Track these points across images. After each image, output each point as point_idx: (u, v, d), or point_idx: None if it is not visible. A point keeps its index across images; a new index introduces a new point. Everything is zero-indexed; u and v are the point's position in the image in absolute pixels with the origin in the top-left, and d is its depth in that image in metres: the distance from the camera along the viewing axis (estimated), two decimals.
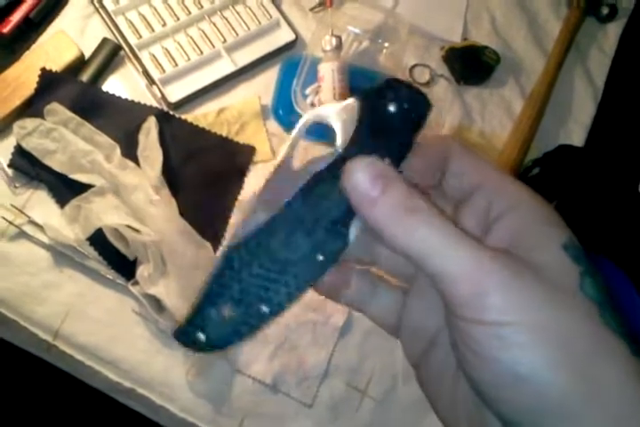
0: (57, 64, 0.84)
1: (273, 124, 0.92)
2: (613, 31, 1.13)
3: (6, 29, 0.86)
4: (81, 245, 0.78)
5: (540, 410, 0.26)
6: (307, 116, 0.35)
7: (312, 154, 0.35)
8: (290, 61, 0.95)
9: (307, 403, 0.81)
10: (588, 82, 1.08)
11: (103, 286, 0.80)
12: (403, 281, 0.38)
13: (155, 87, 0.88)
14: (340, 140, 0.33)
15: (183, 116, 0.87)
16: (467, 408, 0.32)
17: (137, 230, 0.75)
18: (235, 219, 0.85)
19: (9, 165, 0.81)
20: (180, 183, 0.83)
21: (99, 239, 0.77)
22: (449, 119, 1.00)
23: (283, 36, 0.95)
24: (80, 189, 0.78)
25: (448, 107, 1.01)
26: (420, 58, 1.02)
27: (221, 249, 0.32)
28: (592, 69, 1.09)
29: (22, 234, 0.80)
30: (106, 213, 0.76)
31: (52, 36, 0.87)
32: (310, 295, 0.33)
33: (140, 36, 0.89)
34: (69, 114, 0.80)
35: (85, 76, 0.86)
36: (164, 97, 0.88)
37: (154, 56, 0.89)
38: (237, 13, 0.94)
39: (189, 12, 0.92)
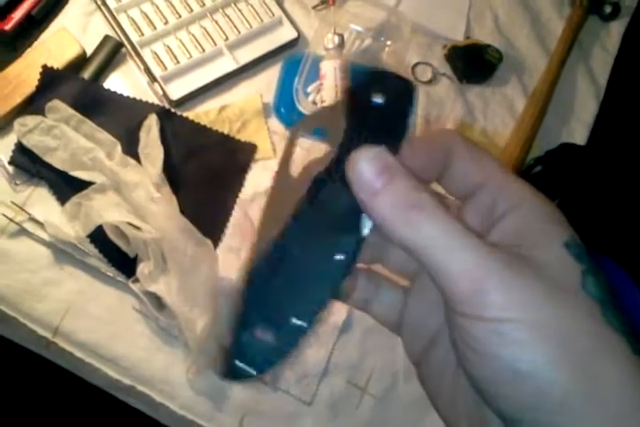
0: (58, 61, 0.84)
1: (274, 122, 0.92)
2: (616, 30, 1.13)
3: (8, 26, 0.86)
4: (81, 243, 0.78)
5: (540, 408, 0.26)
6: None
7: (314, 154, 0.34)
8: (292, 59, 0.95)
9: (306, 401, 0.81)
10: (590, 80, 1.08)
11: (103, 283, 0.80)
12: (406, 279, 0.38)
13: (156, 85, 0.88)
14: (332, 141, 0.33)
15: (184, 114, 0.87)
16: (467, 406, 0.32)
17: (138, 228, 0.75)
18: (235, 218, 0.85)
19: (10, 163, 0.81)
20: (180, 181, 0.83)
21: (99, 237, 0.77)
22: (451, 118, 1.00)
23: (285, 33, 0.95)
24: (81, 186, 0.78)
25: (450, 105, 1.00)
26: (423, 56, 1.02)
27: (240, 276, 0.32)
28: (595, 68, 1.09)
29: (23, 231, 0.80)
30: (106, 210, 0.76)
31: (54, 33, 0.87)
32: None
33: (142, 34, 0.89)
34: (71, 111, 0.80)
35: (87, 74, 0.86)
36: (165, 94, 0.88)
37: (155, 53, 0.89)
38: (239, 11, 0.94)
39: (191, 10, 0.92)
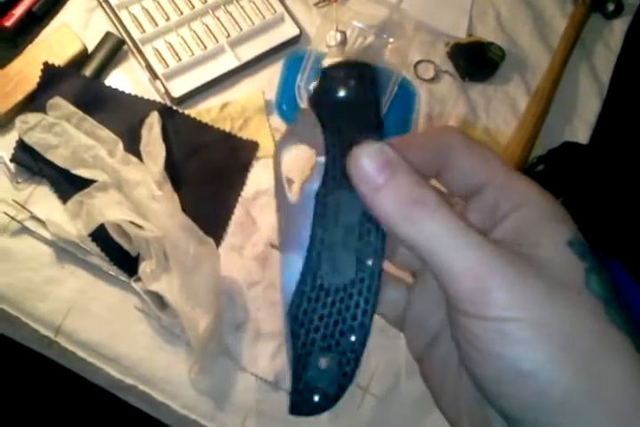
0: (60, 58, 0.84)
1: (276, 120, 0.92)
2: (619, 27, 1.12)
3: (9, 23, 0.85)
4: (83, 241, 0.78)
5: (540, 408, 0.26)
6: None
7: (304, 166, 0.34)
8: (294, 56, 0.94)
9: None
10: (593, 78, 1.08)
11: (105, 282, 0.80)
12: (411, 274, 0.38)
13: (158, 82, 0.88)
14: (317, 149, 0.32)
15: (186, 111, 0.87)
16: (469, 405, 0.32)
17: (139, 226, 0.75)
18: (237, 216, 0.84)
19: (11, 160, 0.81)
20: (182, 179, 0.83)
21: (101, 235, 0.77)
22: (453, 115, 0.99)
23: (287, 30, 0.94)
24: (82, 184, 0.78)
25: (452, 103, 1.00)
26: (425, 54, 1.02)
27: (284, 313, 0.32)
28: (597, 66, 1.09)
29: (24, 229, 0.79)
30: (108, 208, 0.76)
31: (55, 29, 0.86)
32: None
33: (144, 31, 0.89)
34: (72, 108, 0.80)
35: (88, 71, 0.86)
36: (167, 92, 0.87)
37: (157, 50, 0.89)
38: (241, 8, 0.93)
39: (193, 6, 0.91)
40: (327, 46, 0.90)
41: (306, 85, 0.91)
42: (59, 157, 0.78)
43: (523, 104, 1.02)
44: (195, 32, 0.91)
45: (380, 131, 0.31)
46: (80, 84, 0.83)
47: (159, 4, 0.91)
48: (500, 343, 0.27)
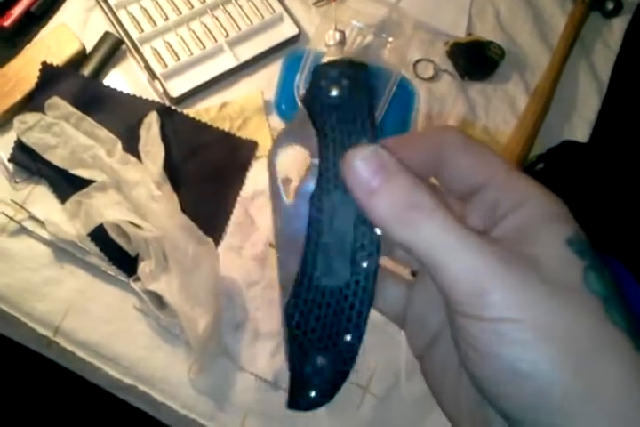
0: (58, 58, 0.84)
1: (275, 119, 0.91)
2: (618, 26, 1.12)
3: (7, 23, 0.85)
4: (82, 241, 0.78)
5: (540, 408, 0.26)
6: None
7: (299, 169, 0.34)
8: (293, 56, 0.94)
9: None
10: (592, 77, 1.08)
11: (104, 282, 0.80)
12: (412, 270, 0.38)
13: (156, 82, 0.88)
14: (311, 150, 0.32)
15: (185, 111, 0.87)
16: (469, 404, 0.32)
17: (138, 226, 0.75)
18: (236, 216, 0.84)
19: (9, 160, 0.81)
20: (181, 178, 0.83)
21: (100, 235, 0.77)
22: (453, 114, 0.99)
23: (286, 30, 0.94)
24: (81, 184, 0.78)
25: (452, 102, 1.00)
26: (425, 53, 1.02)
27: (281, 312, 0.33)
28: (597, 64, 1.09)
29: (23, 230, 0.79)
30: (107, 208, 0.75)
31: (54, 29, 0.86)
32: None
33: (142, 30, 0.89)
34: (70, 108, 0.80)
35: (87, 71, 0.86)
36: (165, 91, 0.87)
37: (156, 50, 0.89)
38: (240, 7, 0.93)
39: (192, 6, 0.91)
40: (326, 46, 0.90)
41: (305, 85, 0.91)
42: (57, 157, 0.78)
43: (522, 103, 1.02)
44: (193, 32, 0.91)
45: (374, 131, 0.31)
46: (78, 83, 0.83)
47: (158, 3, 0.90)
48: (497, 344, 0.27)
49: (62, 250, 0.79)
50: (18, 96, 0.81)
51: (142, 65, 0.88)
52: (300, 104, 0.32)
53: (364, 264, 0.32)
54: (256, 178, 0.87)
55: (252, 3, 0.93)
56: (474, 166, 0.32)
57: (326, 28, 0.91)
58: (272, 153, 0.35)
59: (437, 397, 0.34)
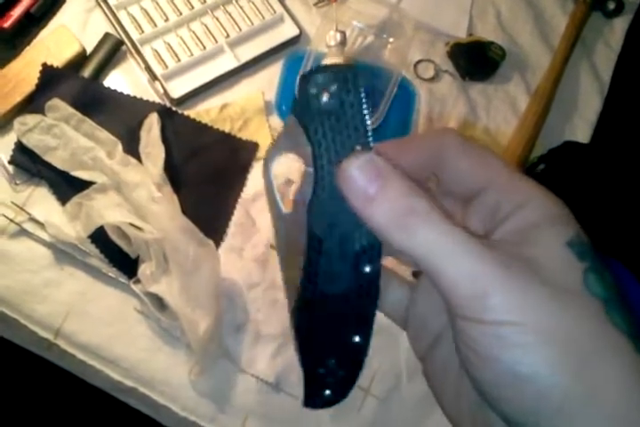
0: (58, 59, 0.83)
1: (276, 120, 0.91)
2: (620, 26, 1.12)
3: (7, 24, 0.85)
4: (82, 243, 0.78)
5: (541, 410, 0.26)
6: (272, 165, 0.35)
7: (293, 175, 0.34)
8: (293, 57, 0.94)
9: None
10: (594, 77, 1.07)
11: (105, 284, 0.80)
12: (412, 274, 0.38)
13: (157, 83, 0.87)
14: (306, 158, 0.32)
15: (186, 112, 0.87)
16: (470, 407, 0.31)
17: (139, 228, 0.75)
18: (236, 218, 0.84)
19: (9, 162, 0.81)
20: (182, 180, 0.82)
21: (100, 237, 0.77)
22: (453, 115, 0.99)
23: (286, 31, 0.94)
24: (81, 186, 0.78)
25: (452, 102, 1.00)
26: (425, 53, 1.01)
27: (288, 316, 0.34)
28: (598, 65, 1.09)
29: (23, 231, 0.79)
30: (107, 210, 0.75)
31: (54, 30, 0.86)
32: None
33: (143, 31, 0.88)
34: (71, 110, 0.80)
35: (87, 72, 0.85)
36: (166, 93, 0.87)
37: (156, 51, 0.89)
38: (241, 8, 0.93)
39: (192, 7, 0.91)
40: (327, 46, 0.90)
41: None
42: (57, 159, 0.78)
43: (523, 103, 1.02)
44: (194, 32, 0.91)
45: (368, 136, 0.31)
46: (79, 85, 0.83)
47: (158, 4, 0.90)
48: (497, 347, 0.27)
49: (62, 252, 0.79)
50: (18, 98, 0.81)
51: (142, 66, 0.88)
52: (290, 114, 0.32)
53: (367, 269, 0.32)
54: (257, 179, 0.87)
55: (253, 3, 0.93)
56: (474, 169, 0.32)
57: (327, 28, 0.91)
58: (266, 164, 0.35)
59: (438, 398, 0.34)
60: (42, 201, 0.81)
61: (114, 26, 0.89)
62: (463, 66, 1.00)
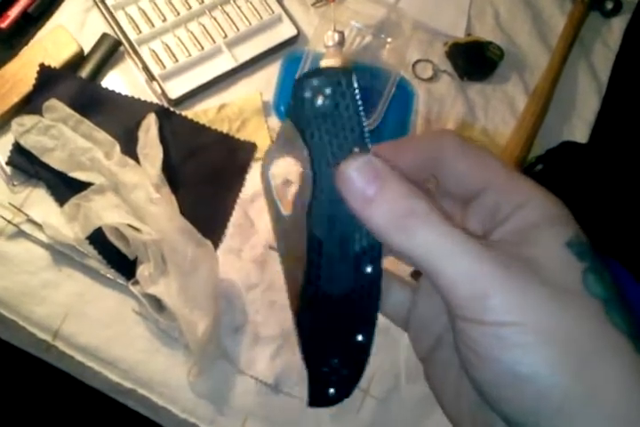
0: (56, 60, 0.83)
1: (274, 121, 0.91)
2: (618, 26, 1.12)
3: (4, 24, 0.85)
4: (80, 244, 0.77)
5: (539, 411, 0.26)
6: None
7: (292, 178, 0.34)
8: (292, 57, 0.94)
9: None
10: (592, 77, 1.07)
11: (103, 285, 0.80)
12: (412, 274, 0.38)
13: (155, 83, 0.87)
14: (303, 162, 0.32)
15: (183, 113, 0.86)
16: (470, 408, 0.32)
17: (137, 229, 0.75)
18: (235, 218, 0.84)
19: (7, 163, 0.80)
20: (180, 181, 0.82)
21: (98, 238, 0.76)
22: (452, 115, 0.99)
23: (284, 31, 0.94)
24: (79, 187, 0.78)
25: (451, 102, 1.00)
26: (423, 53, 1.01)
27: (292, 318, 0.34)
28: (596, 64, 1.09)
29: (21, 233, 0.79)
30: (106, 211, 0.75)
31: (51, 31, 0.86)
32: None
33: (140, 32, 0.88)
34: (68, 111, 0.79)
35: (84, 72, 0.85)
36: (164, 93, 0.87)
37: (154, 51, 0.88)
38: (238, 8, 0.93)
39: (190, 7, 0.91)
40: (325, 46, 0.90)
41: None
42: (55, 160, 0.78)
43: (521, 103, 1.02)
44: (191, 33, 0.90)
45: (365, 138, 0.31)
46: (76, 85, 0.83)
47: (156, 4, 0.90)
48: (497, 347, 0.27)
49: (60, 253, 0.79)
50: (15, 98, 0.81)
51: (140, 66, 0.88)
52: (286, 117, 0.32)
53: (368, 270, 0.32)
54: (255, 180, 0.86)
55: (251, 3, 0.93)
56: (472, 170, 0.32)
57: (325, 28, 0.90)
58: (264, 167, 0.35)
59: (439, 398, 0.34)
60: (40, 202, 0.81)
61: (111, 26, 0.89)
62: (461, 66, 1.00)
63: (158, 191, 0.77)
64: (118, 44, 0.88)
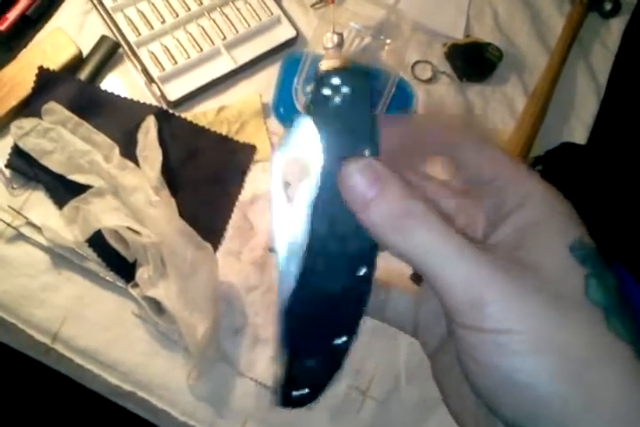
0: (54, 62, 0.83)
1: (274, 123, 0.91)
2: (616, 27, 1.12)
3: (3, 27, 0.85)
4: (80, 247, 0.77)
5: (539, 418, 0.26)
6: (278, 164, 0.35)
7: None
8: (291, 58, 0.94)
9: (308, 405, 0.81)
10: (590, 78, 1.07)
11: (102, 288, 0.80)
12: (411, 277, 0.38)
13: (154, 85, 0.87)
14: (312, 162, 0.32)
15: (183, 115, 0.86)
16: (473, 409, 0.32)
17: (136, 232, 0.74)
18: (234, 221, 0.84)
19: (6, 166, 0.80)
20: (179, 183, 0.82)
21: (98, 241, 0.76)
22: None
23: (283, 32, 0.94)
24: (78, 189, 0.78)
25: (450, 104, 1.00)
26: (423, 54, 1.01)
27: (276, 312, 0.34)
28: (595, 65, 1.08)
29: (20, 236, 0.79)
30: (105, 214, 0.75)
31: (50, 33, 0.86)
32: None
33: (139, 34, 0.88)
34: (67, 113, 0.79)
35: (83, 75, 0.85)
36: (163, 95, 0.87)
37: (153, 54, 0.88)
38: (237, 10, 0.93)
39: (189, 9, 0.91)
40: (324, 48, 0.90)
41: (303, 88, 0.90)
42: (54, 163, 0.78)
43: (520, 104, 1.02)
44: (190, 34, 0.90)
45: (375, 140, 0.31)
46: (75, 88, 0.83)
47: (154, 6, 0.90)
48: (496, 354, 0.27)
49: (60, 256, 0.79)
50: (14, 101, 0.81)
51: (139, 68, 0.88)
52: (301, 111, 0.32)
53: (362, 271, 0.32)
54: (254, 182, 0.86)
55: (250, 5, 0.93)
56: (481, 163, 0.32)
57: (324, 30, 0.90)
58: (273, 158, 0.35)
59: (444, 397, 0.34)
60: (39, 205, 0.81)
61: (110, 28, 0.89)
62: (460, 67, 1.00)
63: (157, 194, 0.77)
64: (117, 46, 0.88)
